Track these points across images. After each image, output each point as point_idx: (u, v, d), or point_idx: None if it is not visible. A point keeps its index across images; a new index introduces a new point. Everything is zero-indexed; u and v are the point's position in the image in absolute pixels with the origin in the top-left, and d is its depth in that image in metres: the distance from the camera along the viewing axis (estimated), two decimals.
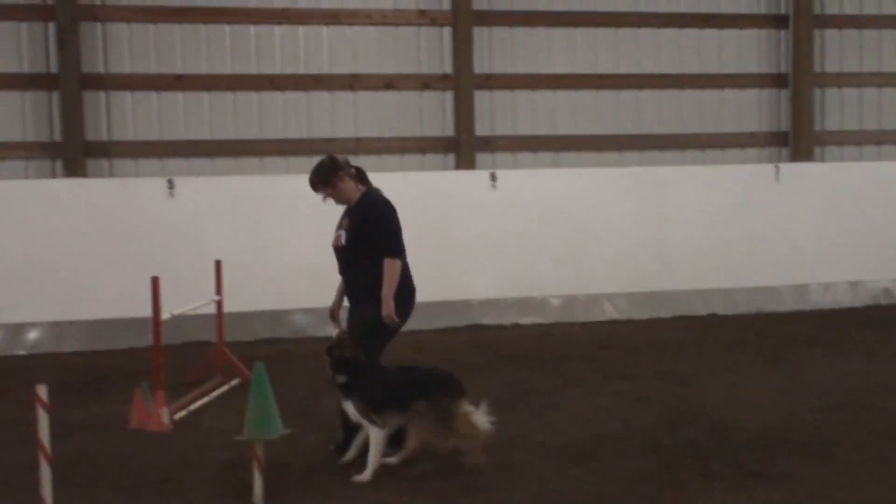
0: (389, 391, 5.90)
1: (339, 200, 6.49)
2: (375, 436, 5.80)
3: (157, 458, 6.36)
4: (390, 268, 6.15)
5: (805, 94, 12.35)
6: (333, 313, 6.64)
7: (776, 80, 12.52)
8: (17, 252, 10.20)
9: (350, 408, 5.86)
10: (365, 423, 5.86)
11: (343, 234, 6.34)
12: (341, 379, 5.90)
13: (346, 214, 6.46)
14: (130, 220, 10.47)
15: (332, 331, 6.39)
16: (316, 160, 11.89)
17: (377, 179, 11.43)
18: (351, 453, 6.06)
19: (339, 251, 6.39)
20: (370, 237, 6.24)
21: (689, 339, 10.27)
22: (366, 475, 5.75)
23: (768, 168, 12.10)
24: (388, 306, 6.10)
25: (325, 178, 6.42)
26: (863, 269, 12.18)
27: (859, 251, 12.12)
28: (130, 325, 10.14)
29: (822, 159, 12.58)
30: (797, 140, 12.39)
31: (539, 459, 6.22)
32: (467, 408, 5.77)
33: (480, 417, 5.78)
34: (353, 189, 6.46)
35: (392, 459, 5.87)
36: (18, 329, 10.23)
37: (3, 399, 8.18)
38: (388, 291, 6.12)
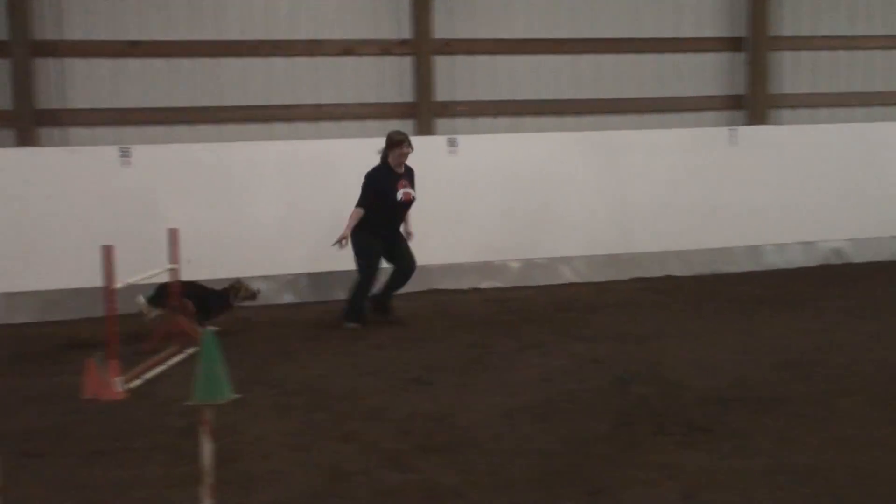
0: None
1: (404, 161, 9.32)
2: None
3: (110, 427, 6.33)
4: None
5: (762, 57, 12.38)
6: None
7: (733, 44, 12.54)
8: None
9: None
10: None
11: (411, 192, 9.30)
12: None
13: (404, 177, 9.29)
14: (84, 189, 10.31)
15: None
16: (275, 127, 11.99)
17: (337, 146, 11.42)
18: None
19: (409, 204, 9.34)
20: None
21: (646, 301, 10.35)
22: None
23: (724, 131, 12.15)
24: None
25: None
26: (814, 230, 12.27)
27: (811, 212, 12.22)
28: (85, 295, 9.99)
29: (778, 122, 12.63)
30: (753, 103, 12.43)
31: (495, 420, 6.27)
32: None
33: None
34: None
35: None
36: None
37: None
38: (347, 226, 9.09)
